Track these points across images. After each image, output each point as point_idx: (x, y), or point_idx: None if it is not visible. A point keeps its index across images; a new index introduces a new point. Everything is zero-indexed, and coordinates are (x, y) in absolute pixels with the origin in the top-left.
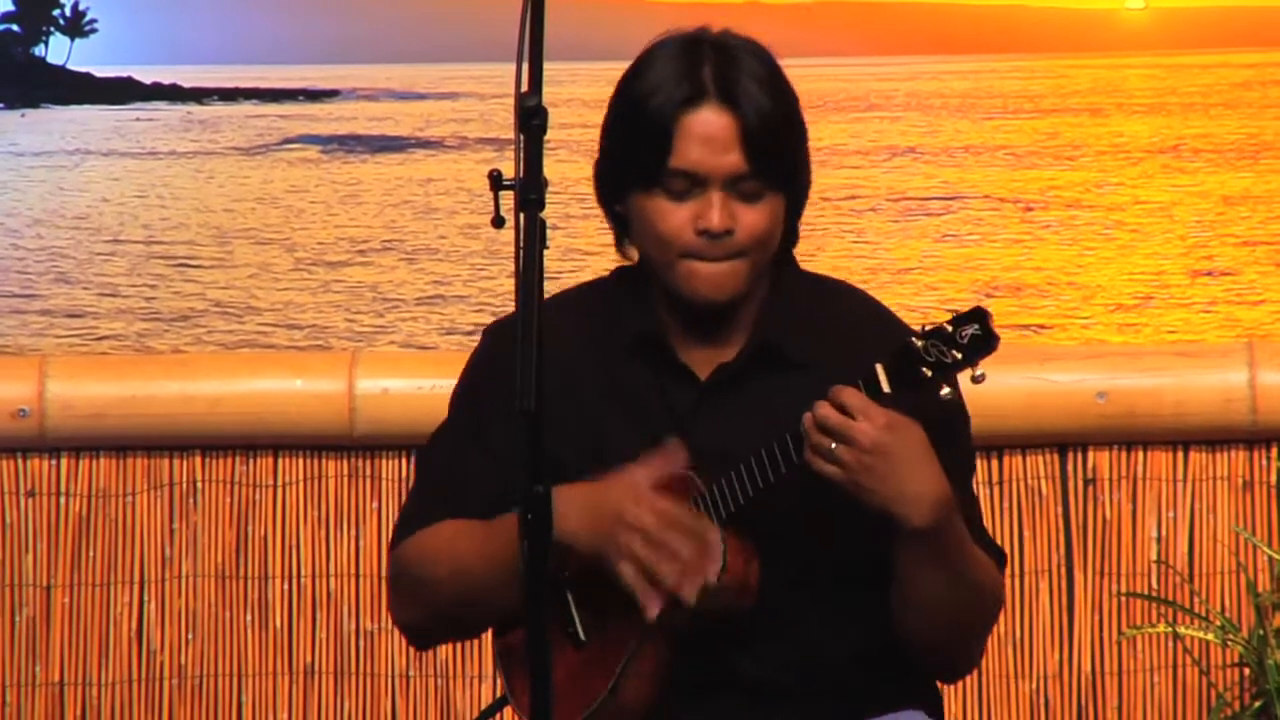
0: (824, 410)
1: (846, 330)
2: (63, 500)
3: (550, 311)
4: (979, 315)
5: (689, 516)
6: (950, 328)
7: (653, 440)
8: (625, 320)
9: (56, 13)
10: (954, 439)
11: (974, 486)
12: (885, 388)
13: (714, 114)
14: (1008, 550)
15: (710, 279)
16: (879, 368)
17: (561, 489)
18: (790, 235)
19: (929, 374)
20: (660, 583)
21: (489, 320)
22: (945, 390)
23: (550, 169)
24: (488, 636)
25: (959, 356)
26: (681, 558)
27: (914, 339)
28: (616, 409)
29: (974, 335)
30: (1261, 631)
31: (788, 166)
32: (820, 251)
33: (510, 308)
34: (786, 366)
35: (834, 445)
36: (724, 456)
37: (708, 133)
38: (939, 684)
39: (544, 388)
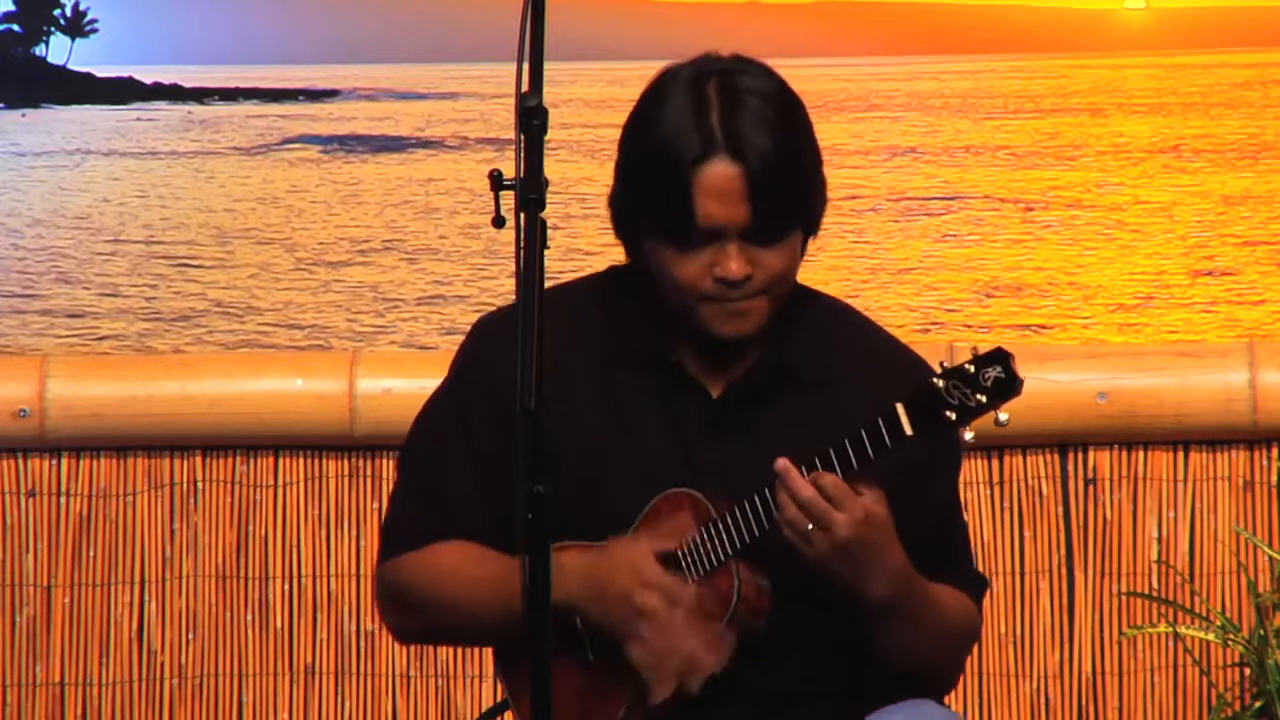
0: (808, 494)
1: (856, 351)
2: (63, 500)
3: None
4: (1001, 357)
5: (692, 595)
6: (972, 369)
7: (656, 462)
8: (627, 331)
9: (57, 13)
10: (949, 472)
11: (964, 520)
12: (908, 430)
13: (724, 166)
14: (1008, 550)
15: (733, 320)
16: (900, 408)
17: (561, 554)
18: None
19: (953, 417)
20: (667, 670)
21: None
22: (970, 435)
23: (551, 169)
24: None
25: (983, 400)
26: (688, 647)
27: (935, 379)
28: (618, 426)
29: (998, 379)
30: (1262, 631)
31: (800, 206)
32: (821, 251)
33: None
34: (798, 385)
35: (810, 528)
36: (733, 475)
37: (720, 187)
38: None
39: (544, 389)
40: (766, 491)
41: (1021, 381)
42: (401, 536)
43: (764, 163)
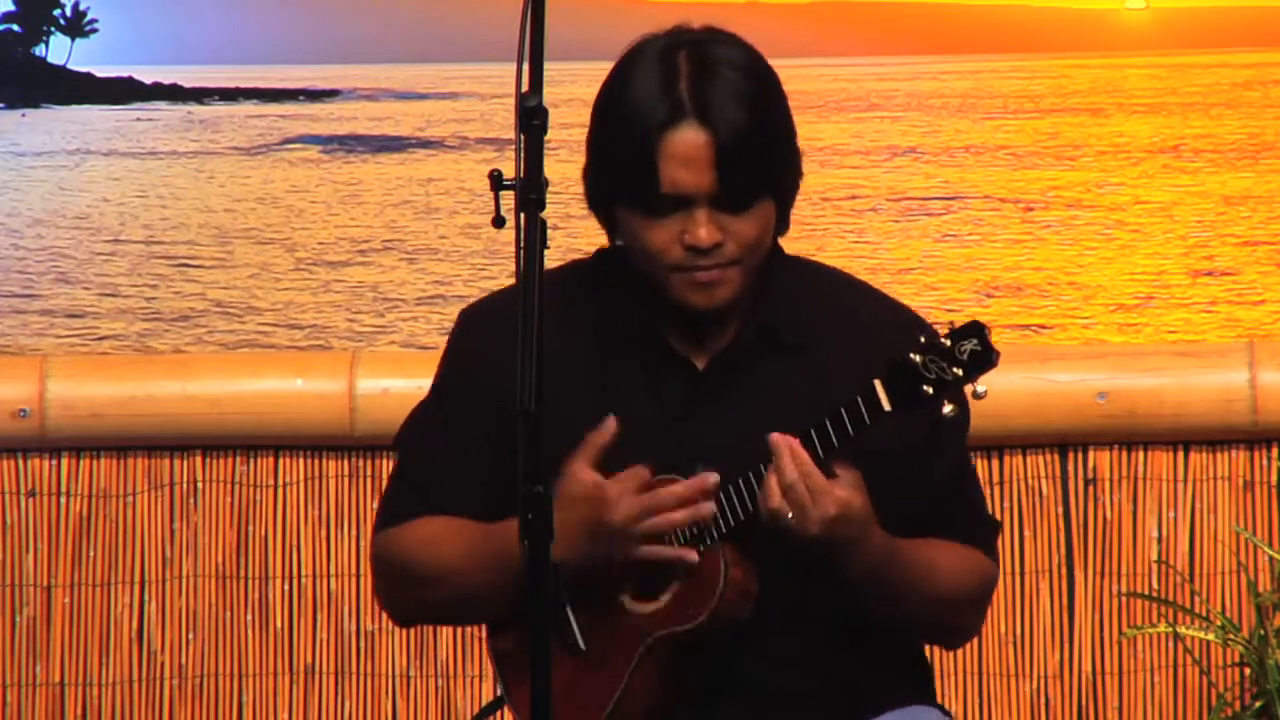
0: (791, 479)
1: (842, 313)
2: (63, 500)
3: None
4: (977, 329)
5: (644, 474)
6: (948, 342)
7: (647, 440)
8: (613, 311)
9: (57, 13)
10: (949, 445)
11: (971, 465)
12: (886, 406)
13: (692, 133)
14: (1008, 550)
15: (704, 289)
16: (878, 384)
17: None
18: (782, 224)
19: (930, 391)
20: (676, 541)
21: None
22: (949, 408)
23: (550, 169)
24: (485, 636)
25: (959, 373)
26: (681, 516)
27: (912, 354)
28: (605, 402)
29: (973, 351)
30: (1262, 631)
31: (770, 175)
32: (820, 251)
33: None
34: (783, 352)
35: (789, 515)
36: (723, 447)
37: (687, 154)
38: (943, 649)
39: (520, 381)
40: (750, 475)
41: (997, 353)
42: (389, 513)
43: (731, 130)
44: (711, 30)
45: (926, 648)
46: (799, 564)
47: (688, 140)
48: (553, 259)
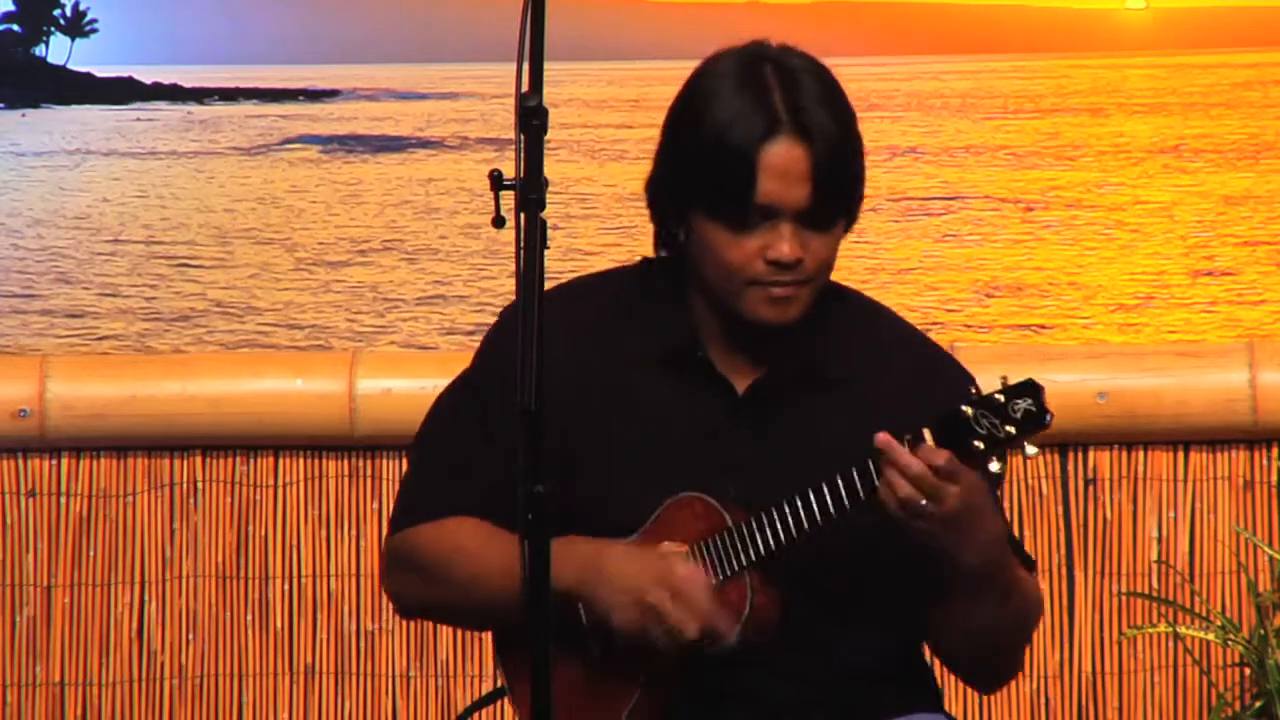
0: (918, 469)
1: (886, 349)
2: (63, 500)
3: (570, 300)
4: (1032, 389)
5: (709, 595)
6: (1002, 399)
7: (680, 458)
8: (657, 326)
9: (57, 13)
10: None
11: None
12: None
13: (789, 146)
14: None
15: (777, 306)
16: (927, 433)
17: (561, 543)
18: None
19: (981, 447)
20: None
21: (490, 321)
22: (995, 465)
23: (551, 169)
24: (488, 638)
25: (1012, 432)
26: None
27: (964, 407)
28: (642, 422)
29: (1027, 411)
30: (1262, 631)
31: (854, 191)
32: None
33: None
34: (823, 382)
35: (924, 502)
36: (759, 471)
37: (784, 167)
38: (981, 692)
39: (545, 387)
40: (784, 504)
41: (1051, 415)
42: (416, 508)
43: (827, 144)
44: (786, 46)
45: (928, 652)
46: (822, 590)
47: (785, 153)
48: (553, 259)
